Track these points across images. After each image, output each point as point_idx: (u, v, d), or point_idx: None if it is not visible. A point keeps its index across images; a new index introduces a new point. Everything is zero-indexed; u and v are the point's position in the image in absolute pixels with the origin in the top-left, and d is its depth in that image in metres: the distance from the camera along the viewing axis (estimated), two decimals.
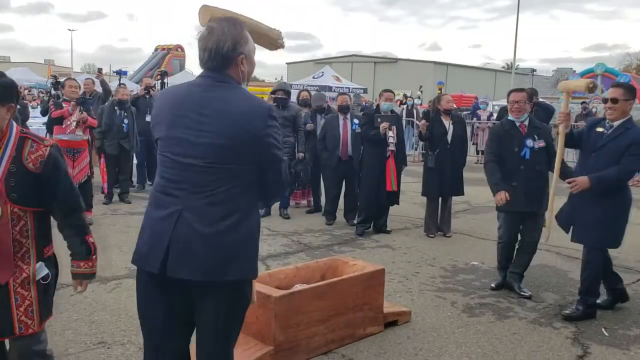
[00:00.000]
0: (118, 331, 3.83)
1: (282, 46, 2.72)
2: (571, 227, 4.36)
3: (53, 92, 10.64)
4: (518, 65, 55.38)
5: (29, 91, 21.63)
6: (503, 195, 4.63)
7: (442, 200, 6.94)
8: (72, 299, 4.34)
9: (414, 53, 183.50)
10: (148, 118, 8.72)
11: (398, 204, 7.11)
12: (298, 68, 58.88)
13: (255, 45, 2.31)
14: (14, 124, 2.39)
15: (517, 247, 4.92)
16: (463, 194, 7.03)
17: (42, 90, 23.75)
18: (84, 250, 2.51)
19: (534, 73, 48.44)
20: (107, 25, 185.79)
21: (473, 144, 14.66)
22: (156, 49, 39.33)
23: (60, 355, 3.43)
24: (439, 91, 20.21)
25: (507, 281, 4.93)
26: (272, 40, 2.68)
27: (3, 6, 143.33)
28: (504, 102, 6.41)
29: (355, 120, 7.28)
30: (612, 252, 4.52)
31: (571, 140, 4.41)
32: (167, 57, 37.03)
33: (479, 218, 7.85)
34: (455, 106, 8.77)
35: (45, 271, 2.42)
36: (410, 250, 6.27)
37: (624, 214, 4.23)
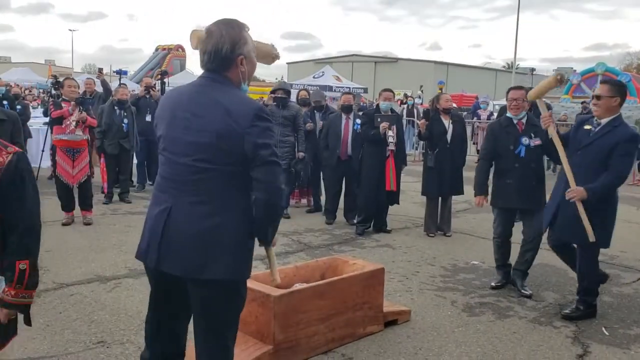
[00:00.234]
0: (117, 330, 3.83)
1: (278, 57, 2.78)
2: (553, 226, 4.34)
3: (53, 92, 10.64)
4: (518, 64, 55.48)
5: (30, 91, 21.64)
6: (480, 200, 4.91)
7: (442, 200, 6.93)
8: (72, 298, 4.35)
9: (414, 53, 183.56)
10: (148, 118, 8.76)
11: (398, 203, 7.11)
12: (298, 68, 58.94)
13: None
14: None
15: (521, 245, 4.93)
16: (463, 193, 7.03)
17: (42, 90, 23.78)
18: (11, 275, 2.09)
19: (534, 72, 48.50)
20: (108, 25, 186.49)
21: (473, 143, 14.63)
22: (157, 49, 39.32)
23: (59, 355, 3.44)
24: (440, 91, 20.17)
25: (511, 277, 4.94)
26: (267, 55, 2.72)
27: (3, 6, 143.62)
28: (504, 102, 6.40)
29: (358, 121, 7.27)
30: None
31: (561, 140, 4.40)
32: (167, 57, 36.99)
33: (479, 217, 7.84)
34: (454, 105, 8.77)
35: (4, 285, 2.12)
36: (410, 249, 6.26)
37: (612, 213, 4.20)
